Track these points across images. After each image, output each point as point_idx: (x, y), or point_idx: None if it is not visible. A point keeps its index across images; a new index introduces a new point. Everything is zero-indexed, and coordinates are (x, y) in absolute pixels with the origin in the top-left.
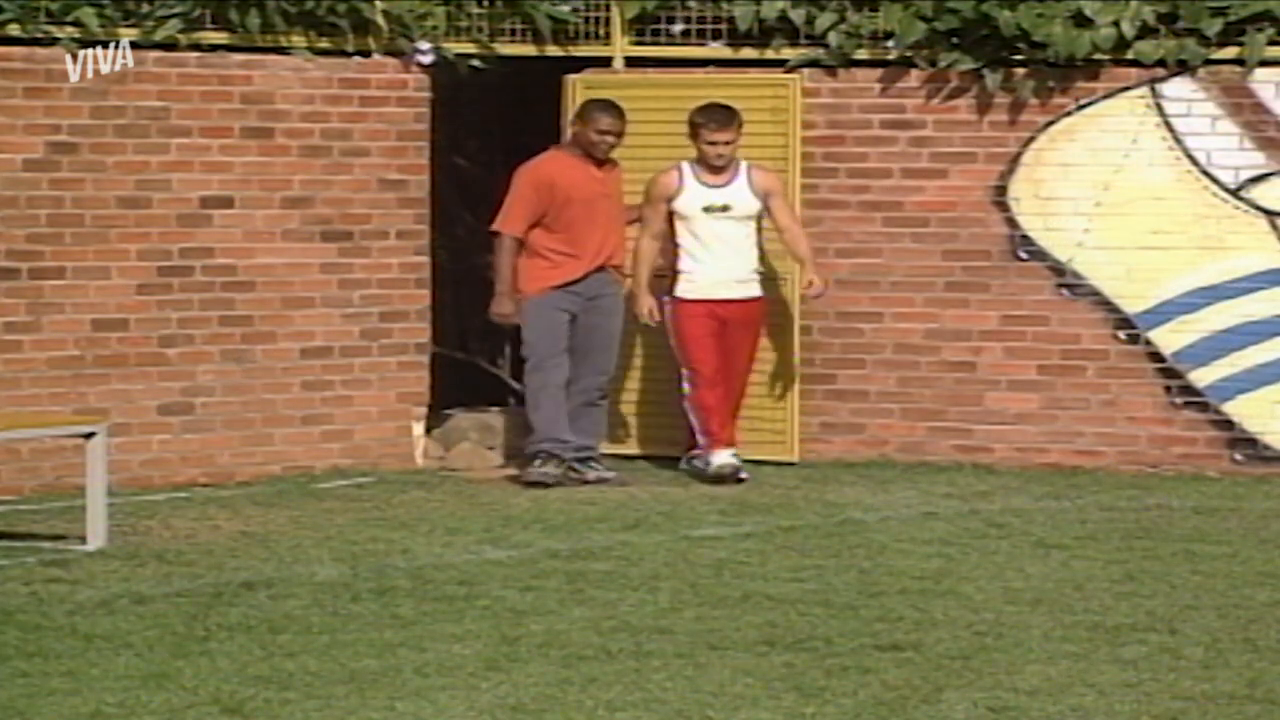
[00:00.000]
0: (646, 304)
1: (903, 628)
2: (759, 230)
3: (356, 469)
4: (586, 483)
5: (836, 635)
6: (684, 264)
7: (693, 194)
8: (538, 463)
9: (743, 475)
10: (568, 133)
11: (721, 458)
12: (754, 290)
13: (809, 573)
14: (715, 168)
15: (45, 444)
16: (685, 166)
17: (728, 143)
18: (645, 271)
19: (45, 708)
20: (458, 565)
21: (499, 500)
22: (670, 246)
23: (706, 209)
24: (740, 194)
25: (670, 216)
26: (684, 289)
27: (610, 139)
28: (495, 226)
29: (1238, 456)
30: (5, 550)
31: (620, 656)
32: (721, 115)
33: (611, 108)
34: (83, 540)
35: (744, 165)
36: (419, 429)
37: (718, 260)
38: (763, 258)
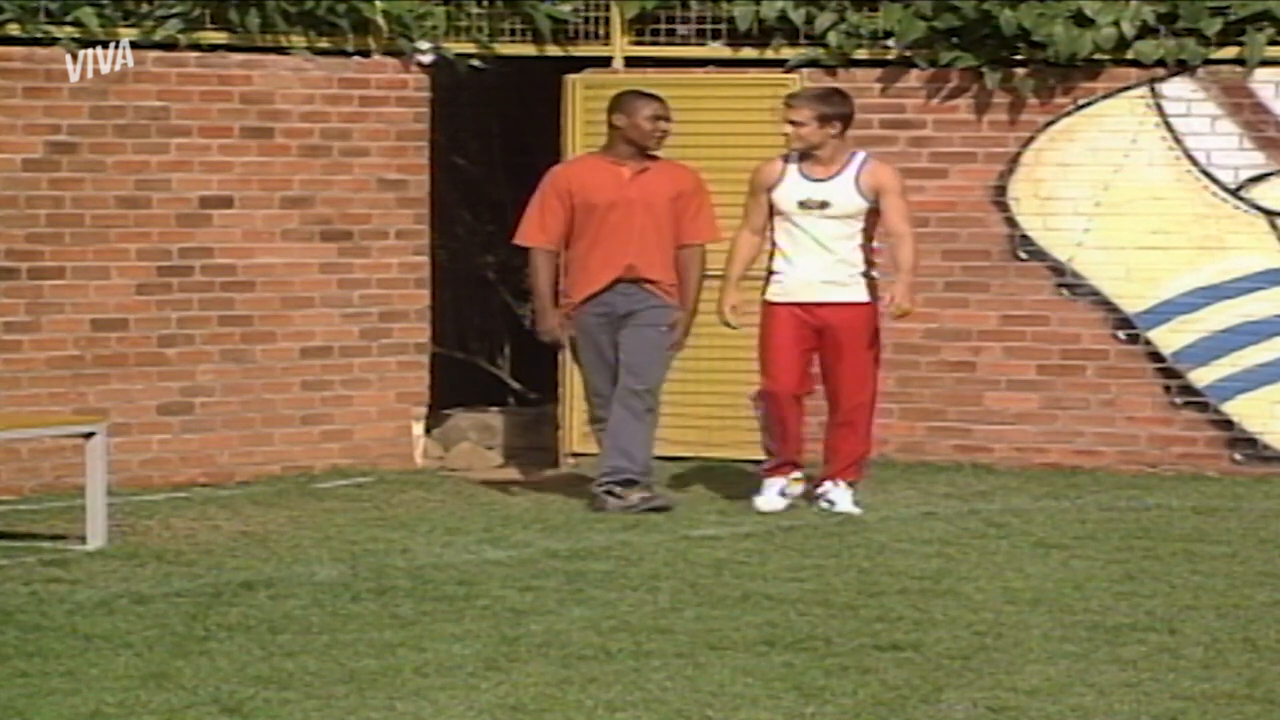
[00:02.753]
0: (729, 302)
1: (902, 628)
2: (867, 231)
3: (356, 469)
4: (630, 507)
5: (836, 635)
6: (776, 263)
7: (790, 186)
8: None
9: (777, 504)
10: (567, 135)
11: (770, 493)
12: (853, 294)
13: (809, 573)
14: (819, 159)
15: (45, 444)
16: (793, 156)
17: (795, 124)
18: (737, 269)
19: (45, 707)
20: (457, 565)
21: (499, 500)
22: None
23: (802, 204)
24: (843, 190)
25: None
26: (772, 291)
27: (664, 125)
28: (515, 240)
29: (1237, 456)
30: (5, 550)
31: (620, 656)
32: (804, 93)
33: (650, 95)
34: (82, 540)
35: (859, 158)
36: (418, 429)
37: (810, 261)
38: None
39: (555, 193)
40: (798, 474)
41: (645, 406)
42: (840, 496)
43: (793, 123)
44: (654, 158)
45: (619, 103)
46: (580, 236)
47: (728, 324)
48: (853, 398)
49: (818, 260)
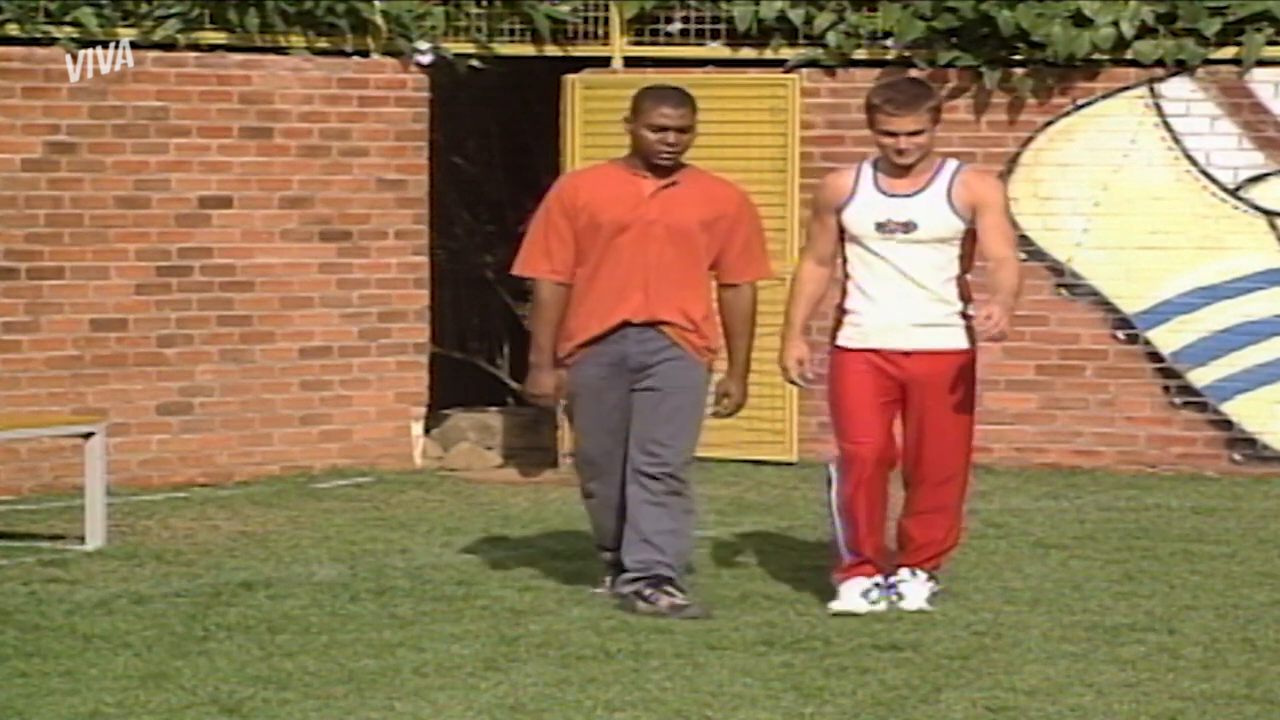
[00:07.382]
0: (794, 354)
1: (901, 628)
2: (963, 258)
3: (355, 469)
4: (660, 615)
5: (835, 635)
6: (851, 301)
7: (866, 204)
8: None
9: (875, 606)
10: (566, 135)
11: (850, 595)
12: (950, 339)
13: (808, 573)
14: (901, 169)
15: (44, 444)
16: (866, 166)
17: (913, 134)
18: (801, 311)
19: (44, 708)
20: (456, 565)
21: (498, 500)
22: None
23: (881, 226)
24: (932, 207)
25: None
26: (846, 336)
27: (670, 136)
28: (515, 269)
29: (1236, 456)
30: (4, 550)
31: (619, 656)
32: (905, 95)
33: (673, 93)
34: (81, 540)
35: (950, 168)
36: (417, 429)
37: (896, 299)
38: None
39: (561, 209)
40: (880, 579)
41: (668, 490)
42: (914, 590)
43: (910, 134)
44: (684, 167)
45: (634, 102)
46: (583, 264)
47: (793, 382)
48: (941, 471)
49: (906, 297)
